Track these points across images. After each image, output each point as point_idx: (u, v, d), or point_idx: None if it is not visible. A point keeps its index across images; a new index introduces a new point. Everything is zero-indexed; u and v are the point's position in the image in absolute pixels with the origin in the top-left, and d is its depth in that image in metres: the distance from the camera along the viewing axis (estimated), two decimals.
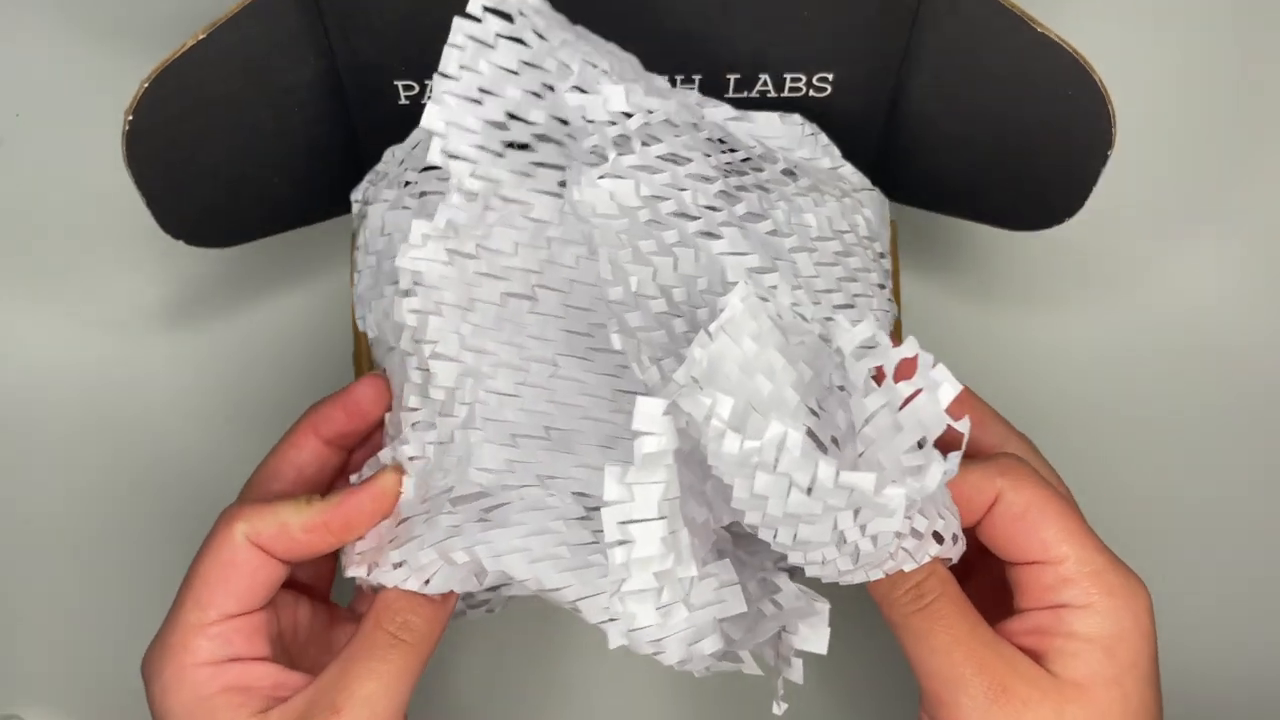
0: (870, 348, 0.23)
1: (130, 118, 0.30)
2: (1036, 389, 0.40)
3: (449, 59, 0.26)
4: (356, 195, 0.34)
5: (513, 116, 0.27)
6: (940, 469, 0.22)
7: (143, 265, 0.42)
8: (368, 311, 0.32)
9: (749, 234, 0.28)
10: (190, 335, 0.42)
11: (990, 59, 0.31)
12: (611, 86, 0.26)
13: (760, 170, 0.30)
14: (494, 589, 0.29)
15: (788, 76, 0.33)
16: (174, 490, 0.40)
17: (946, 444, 0.22)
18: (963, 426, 0.22)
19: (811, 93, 0.34)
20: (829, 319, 0.29)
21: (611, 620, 0.25)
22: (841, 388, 0.25)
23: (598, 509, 0.24)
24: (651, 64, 0.32)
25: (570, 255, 0.30)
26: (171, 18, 0.39)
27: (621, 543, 0.23)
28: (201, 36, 0.29)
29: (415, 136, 0.31)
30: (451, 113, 0.27)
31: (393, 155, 0.32)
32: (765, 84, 0.34)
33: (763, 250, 0.28)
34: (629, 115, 0.26)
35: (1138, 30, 0.45)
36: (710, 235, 0.27)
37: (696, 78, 0.33)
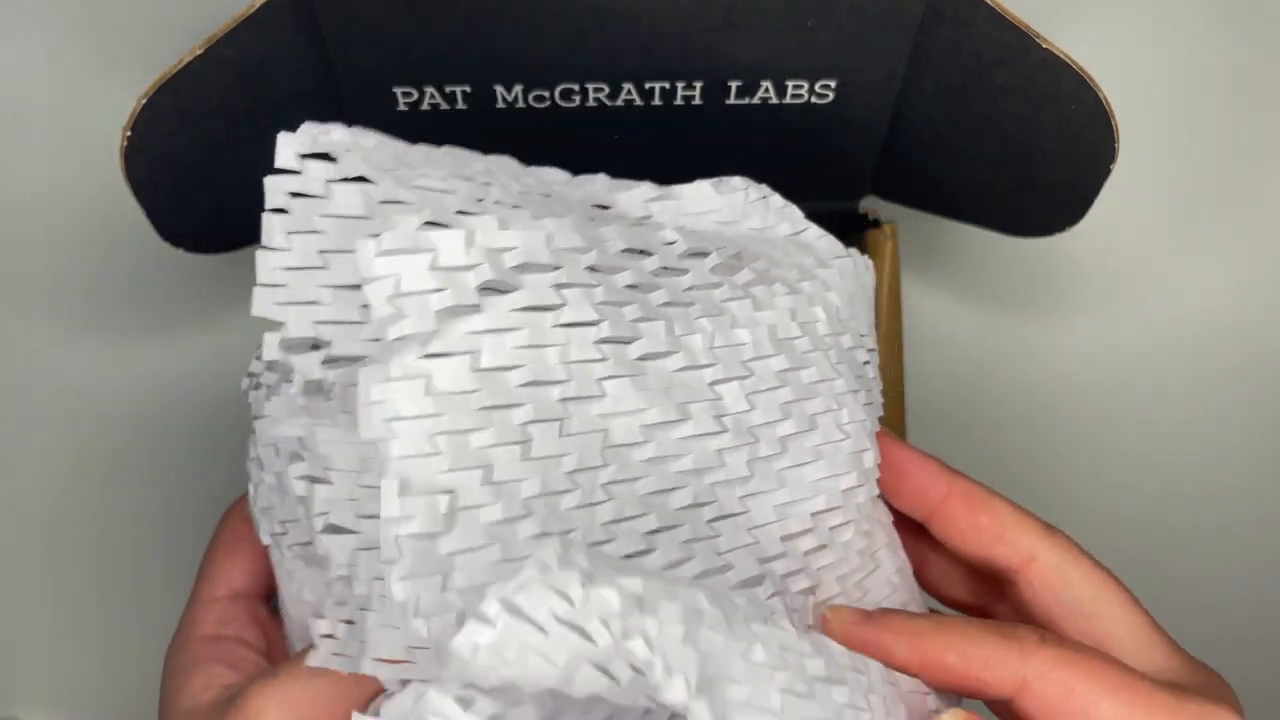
0: None
1: (129, 133, 0.29)
2: (1040, 394, 0.41)
3: (271, 229, 0.22)
4: (243, 385, 0.28)
5: None
6: None
7: (143, 267, 0.42)
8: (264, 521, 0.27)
9: (647, 380, 0.23)
10: (191, 336, 0.42)
11: (995, 71, 0.31)
12: (443, 234, 0.21)
13: (681, 274, 0.25)
14: None
15: (790, 83, 0.33)
16: (175, 492, 0.40)
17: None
18: None
19: (814, 99, 0.34)
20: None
21: None
22: None
23: None
24: (652, 73, 0.32)
25: None
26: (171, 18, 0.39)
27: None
28: (199, 52, 0.29)
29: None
30: (286, 291, 0.22)
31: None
32: (767, 91, 0.33)
33: (667, 398, 0.23)
34: (467, 268, 0.21)
35: (1141, 33, 0.44)
36: (585, 398, 0.22)
37: (698, 85, 0.33)
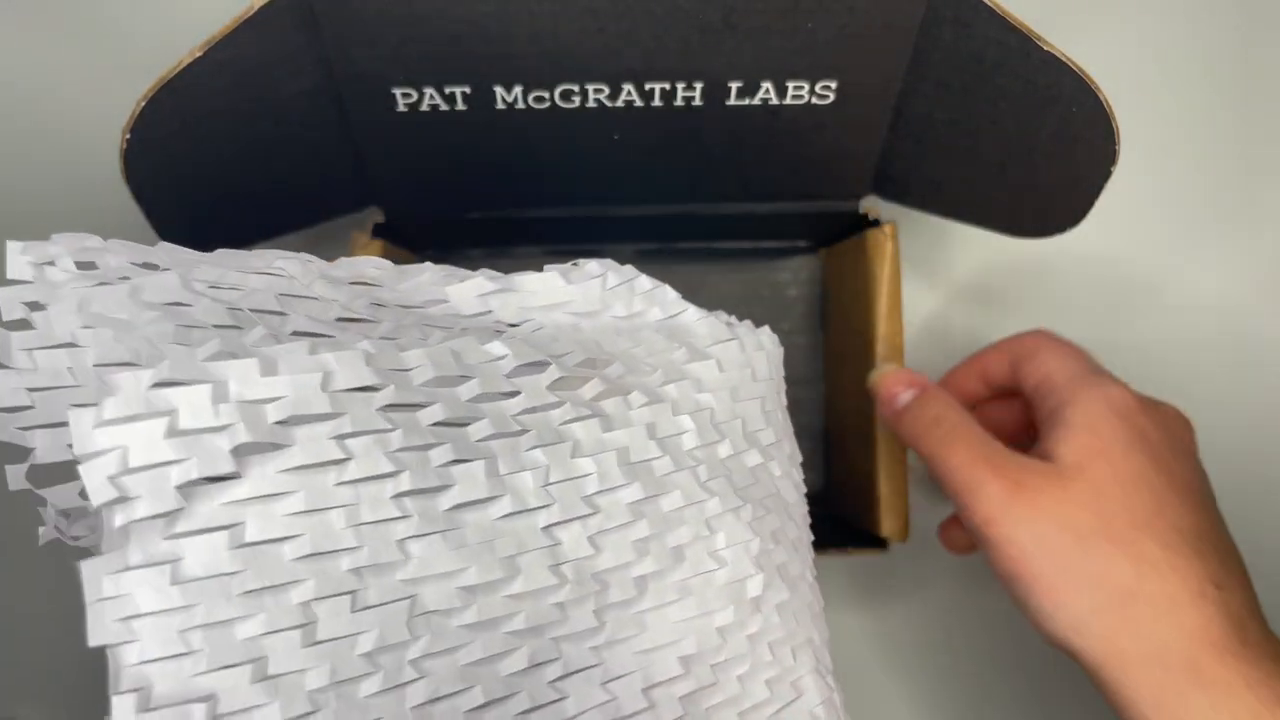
0: None
1: (128, 136, 0.29)
2: None
3: (6, 347, 0.19)
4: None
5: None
6: None
7: None
8: None
9: (465, 534, 0.20)
10: None
11: (995, 73, 0.31)
12: (184, 391, 0.17)
13: (510, 397, 0.21)
14: None
15: (790, 84, 0.33)
16: None
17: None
18: None
19: (814, 100, 0.33)
20: None
21: None
22: None
23: None
24: (652, 73, 0.32)
25: None
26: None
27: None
28: (199, 54, 0.29)
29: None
30: (34, 414, 0.19)
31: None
32: (768, 91, 0.33)
33: (490, 552, 0.20)
34: (217, 430, 0.18)
35: (1142, 35, 0.44)
36: (384, 564, 0.19)
37: (698, 85, 0.33)
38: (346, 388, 0.19)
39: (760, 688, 0.24)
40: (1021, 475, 0.29)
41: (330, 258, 0.41)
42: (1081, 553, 0.28)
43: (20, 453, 0.19)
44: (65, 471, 0.20)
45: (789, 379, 0.31)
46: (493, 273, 0.23)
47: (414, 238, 0.40)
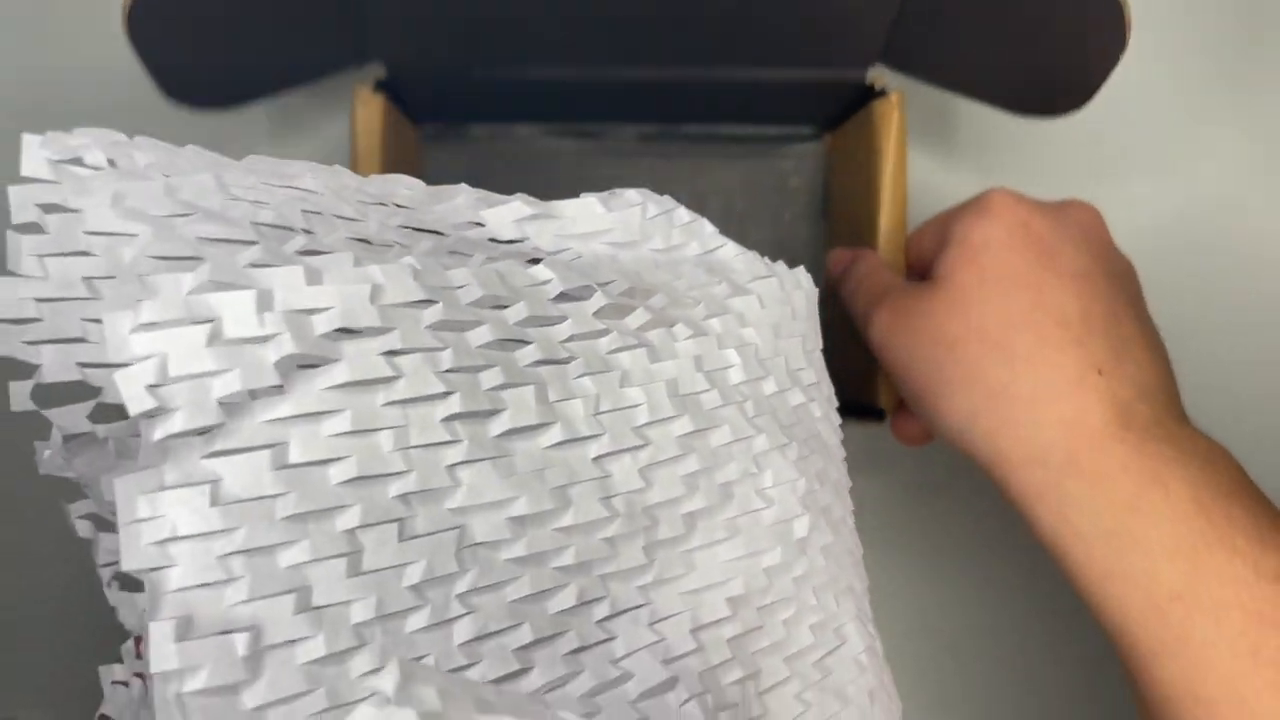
0: None
1: None
2: None
3: (16, 252, 0.17)
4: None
5: None
6: None
7: None
8: None
9: (514, 463, 0.19)
10: None
11: None
12: (228, 298, 0.16)
13: (556, 323, 0.20)
14: None
15: None
16: None
17: None
18: None
19: None
20: None
21: None
22: None
23: None
24: None
25: None
26: None
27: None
28: None
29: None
30: (42, 327, 0.18)
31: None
32: None
33: (540, 482, 0.19)
34: (262, 340, 0.16)
35: None
36: (433, 491, 0.18)
37: None
38: (395, 302, 0.18)
39: (805, 633, 0.23)
40: (902, 300, 0.30)
41: (332, 117, 0.40)
42: (953, 360, 0.28)
43: (24, 371, 0.18)
44: (72, 393, 0.18)
45: (792, 265, 0.30)
46: (529, 198, 0.22)
47: (416, 101, 0.37)
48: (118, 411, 0.17)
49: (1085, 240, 0.29)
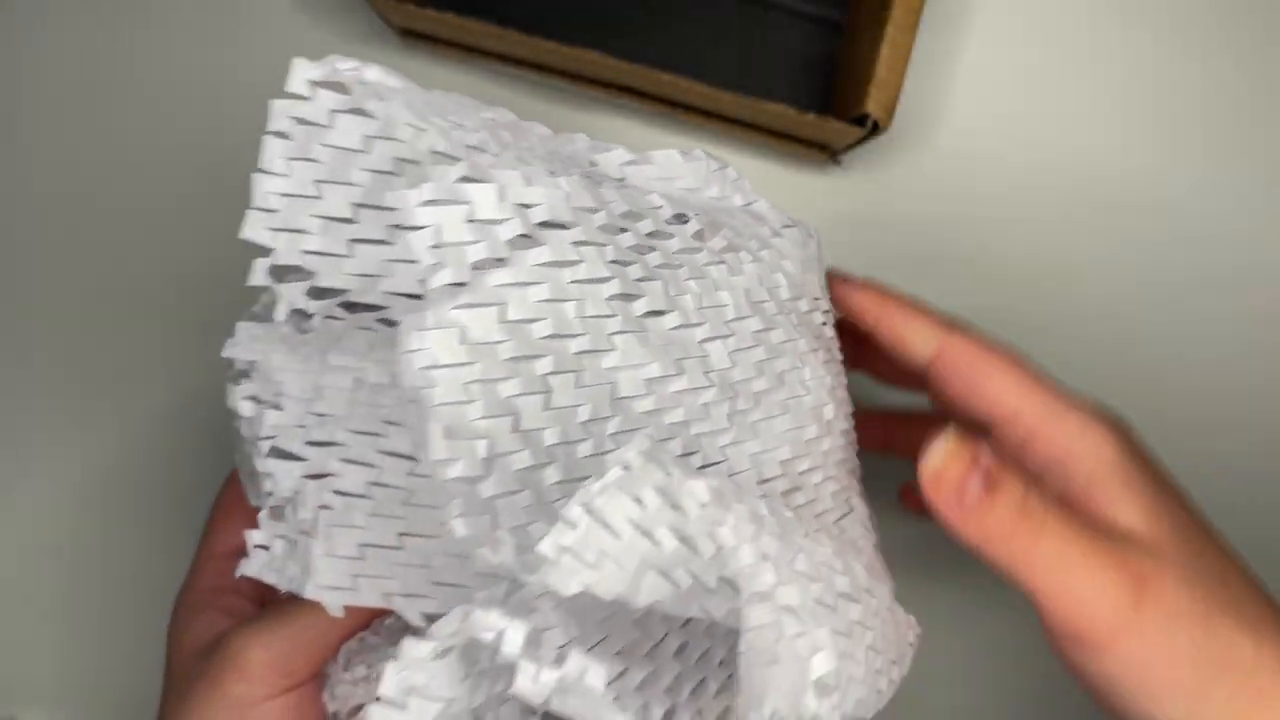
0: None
1: None
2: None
3: (271, 153, 0.22)
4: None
5: (364, 206, 0.23)
6: None
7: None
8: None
9: (649, 337, 0.24)
10: (188, 332, 0.40)
11: None
12: (479, 188, 0.21)
13: (670, 238, 0.26)
14: None
15: None
16: (175, 491, 0.39)
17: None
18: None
19: None
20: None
21: None
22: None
23: None
24: None
25: None
26: None
27: None
28: None
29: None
30: (280, 217, 0.23)
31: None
32: None
33: (665, 354, 0.24)
34: (498, 222, 0.22)
35: None
36: (597, 351, 0.23)
37: None
38: (579, 206, 0.23)
39: (828, 496, 0.28)
40: (1138, 565, 0.24)
41: None
42: (1208, 639, 0.24)
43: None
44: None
45: None
46: (628, 148, 0.27)
47: None
48: (316, 294, 0.23)
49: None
